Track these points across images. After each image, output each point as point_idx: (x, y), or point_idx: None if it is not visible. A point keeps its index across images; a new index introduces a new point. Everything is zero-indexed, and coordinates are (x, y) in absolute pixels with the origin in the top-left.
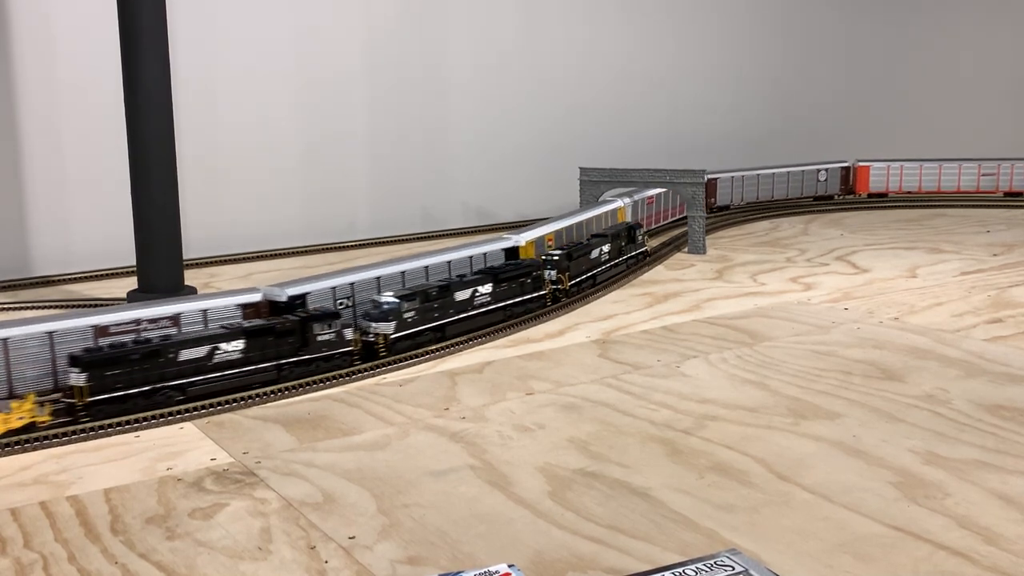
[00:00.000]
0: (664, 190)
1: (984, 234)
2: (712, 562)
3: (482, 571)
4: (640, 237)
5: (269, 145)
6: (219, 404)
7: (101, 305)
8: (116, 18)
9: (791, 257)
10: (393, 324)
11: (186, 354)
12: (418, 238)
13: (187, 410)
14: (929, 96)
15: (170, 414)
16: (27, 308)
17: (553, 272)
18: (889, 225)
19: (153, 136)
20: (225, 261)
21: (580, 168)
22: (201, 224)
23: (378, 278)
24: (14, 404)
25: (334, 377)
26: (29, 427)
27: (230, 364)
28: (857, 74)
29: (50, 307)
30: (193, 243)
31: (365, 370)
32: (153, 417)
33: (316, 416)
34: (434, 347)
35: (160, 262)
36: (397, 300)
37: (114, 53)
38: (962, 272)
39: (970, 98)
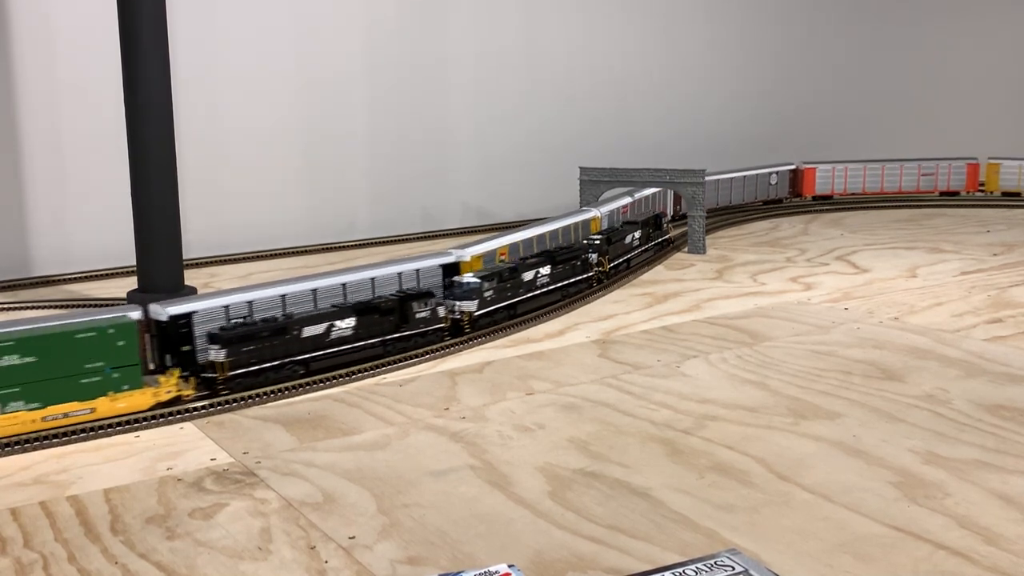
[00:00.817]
0: (640, 197)
1: (984, 234)
2: (712, 562)
3: (482, 571)
4: (664, 225)
5: (269, 145)
6: (219, 404)
7: (101, 305)
8: (116, 18)
9: (791, 257)
10: (476, 303)
11: (308, 331)
12: (418, 238)
13: (187, 410)
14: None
15: (170, 414)
16: (27, 308)
17: (594, 255)
18: (889, 225)
19: (153, 136)
20: (225, 261)
21: (580, 168)
22: (201, 224)
23: (283, 296)
24: (161, 379)
25: (334, 377)
26: (175, 400)
27: (343, 340)
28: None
29: (50, 307)
30: (193, 243)
31: (366, 370)
32: (153, 417)
33: (316, 416)
34: (434, 347)
35: (160, 262)
36: (478, 280)
37: (114, 53)
38: (962, 272)
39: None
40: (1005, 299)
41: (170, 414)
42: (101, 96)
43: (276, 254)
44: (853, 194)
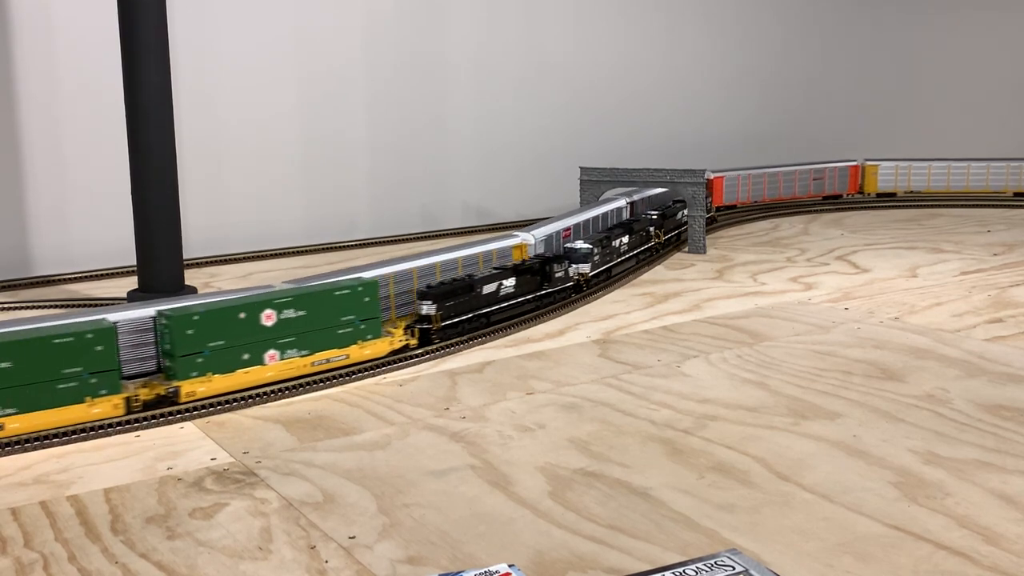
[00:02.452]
0: (590, 217)
1: (984, 234)
2: (712, 562)
3: (482, 571)
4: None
5: (269, 145)
6: (219, 404)
7: (101, 305)
8: (117, 18)
9: (791, 257)
10: (589, 265)
11: (486, 289)
12: (418, 238)
13: (187, 410)
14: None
15: (170, 414)
16: (27, 308)
17: (652, 228)
18: (889, 225)
19: (153, 136)
20: (225, 261)
21: (580, 168)
22: (201, 224)
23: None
24: (392, 330)
25: (334, 377)
26: (405, 347)
27: (508, 297)
28: (865, 74)
29: (50, 307)
30: (193, 243)
31: (365, 370)
32: (153, 417)
33: (316, 416)
34: (435, 347)
35: (160, 262)
36: (590, 246)
37: (115, 53)
38: (962, 272)
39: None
40: (1005, 299)
41: (170, 414)
42: (101, 96)
43: (276, 254)
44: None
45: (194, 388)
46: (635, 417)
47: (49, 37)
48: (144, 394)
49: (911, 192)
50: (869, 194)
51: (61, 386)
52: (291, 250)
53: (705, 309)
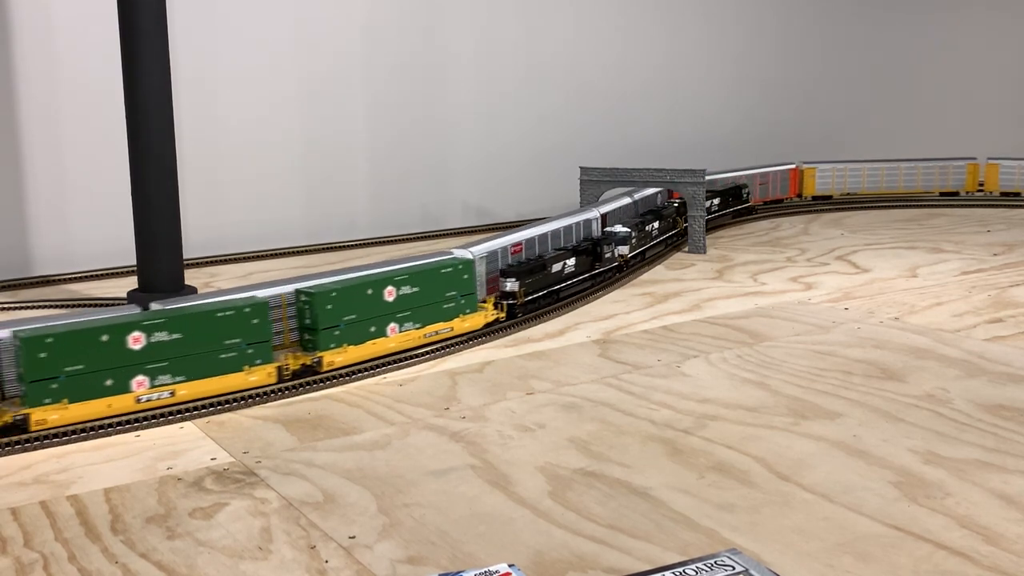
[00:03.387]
0: (545, 232)
1: (984, 234)
2: (712, 562)
3: (482, 571)
4: (745, 195)
5: (269, 145)
6: (219, 404)
7: (101, 305)
8: (116, 17)
9: (791, 257)
10: (628, 247)
11: (554, 267)
12: (418, 237)
13: (187, 410)
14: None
15: (170, 414)
16: (27, 308)
17: (676, 216)
18: (889, 225)
19: (153, 135)
20: (225, 261)
21: (580, 167)
22: (201, 224)
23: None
24: (484, 305)
25: (334, 377)
26: (495, 320)
27: (570, 275)
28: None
29: (50, 307)
30: (193, 243)
31: (365, 370)
32: (154, 417)
33: (316, 416)
34: (435, 347)
35: (160, 262)
36: (628, 230)
37: (114, 52)
38: (962, 272)
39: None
40: (1005, 299)
41: (169, 414)
42: (101, 96)
43: (276, 254)
44: (850, 194)
45: (333, 358)
46: (635, 417)
47: (49, 37)
48: (292, 364)
49: (847, 194)
50: (806, 197)
51: (223, 356)
52: (291, 250)
53: (705, 309)
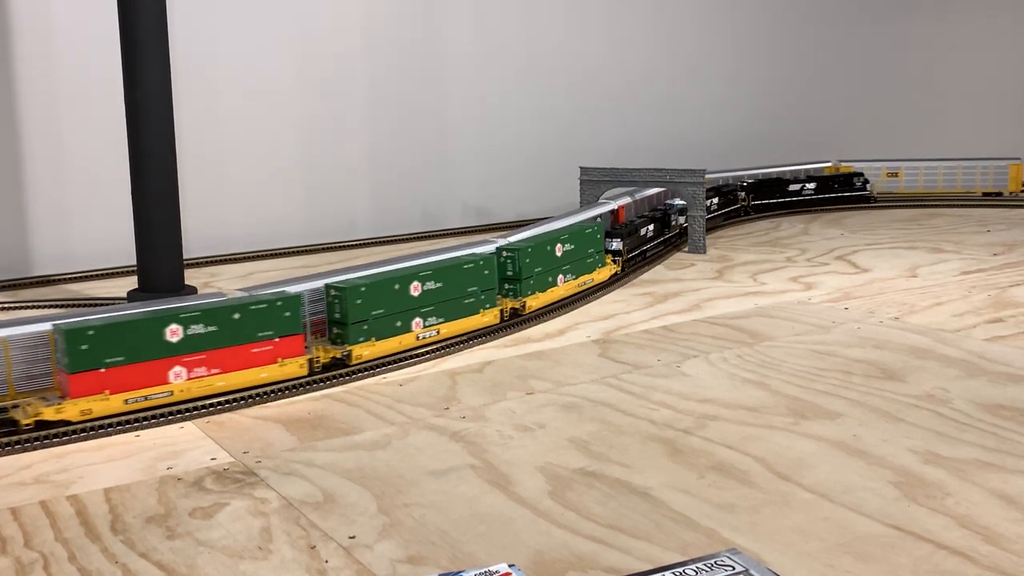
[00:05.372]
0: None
1: (984, 234)
2: (712, 562)
3: (482, 571)
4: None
5: (269, 145)
6: (219, 404)
7: (102, 304)
8: (116, 17)
9: (791, 257)
10: (685, 217)
11: (642, 231)
12: (418, 237)
13: (187, 410)
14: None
15: (170, 414)
16: (27, 308)
17: (742, 193)
18: (889, 225)
19: (153, 135)
20: (225, 261)
21: (580, 167)
22: (201, 224)
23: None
24: (608, 261)
25: (334, 377)
26: (615, 274)
27: (649, 239)
28: (866, 74)
29: (50, 307)
30: (193, 243)
31: (365, 370)
32: (153, 417)
33: (316, 416)
34: (434, 348)
35: (160, 262)
36: (686, 203)
37: (115, 53)
38: (962, 272)
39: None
40: (1005, 299)
41: (170, 414)
42: (101, 95)
43: (276, 254)
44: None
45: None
46: (635, 417)
47: (49, 37)
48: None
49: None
50: None
51: (466, 301)
52: (291, 250)
53: (705, 309)
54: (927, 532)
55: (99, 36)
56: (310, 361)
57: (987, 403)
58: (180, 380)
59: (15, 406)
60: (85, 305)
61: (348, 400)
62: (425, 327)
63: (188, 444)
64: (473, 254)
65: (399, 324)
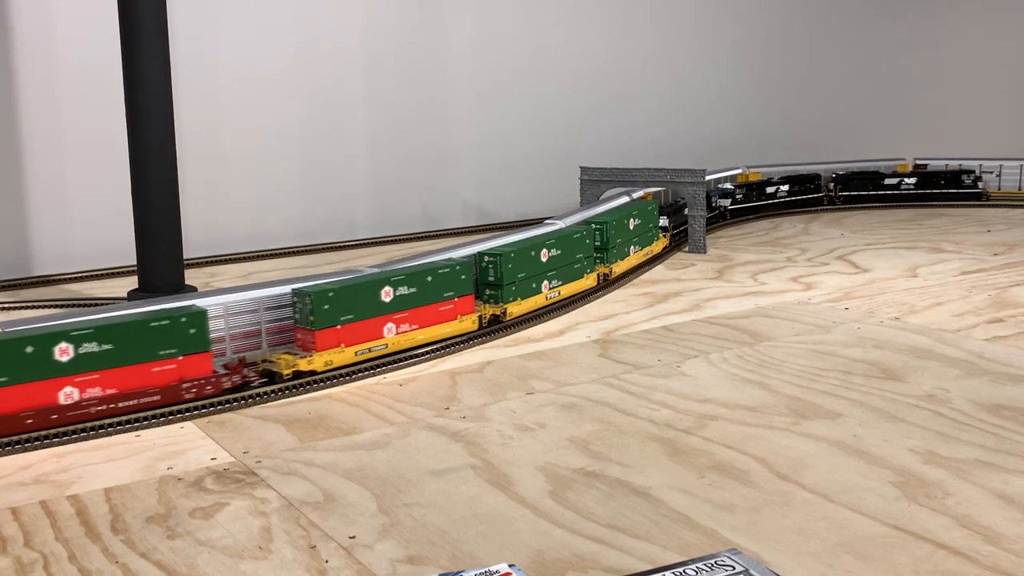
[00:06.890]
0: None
1: (984, 234)
2: (712, 562)
3: (482, 571)
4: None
5: (269, 145)
6: (219, 404)
7: (102, 304)
8: (117, 17)
9: (792, 257)
10: (729, 201)
11: (686, 211)
12: (418, 238)
13: (188, 410)
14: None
15: (170, 414)
16: (27, 308)
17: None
18: (889, 225)
19: (153, 135)
20: (225, 261)
21: (581, 167)
22: (201, 224)
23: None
24: (660, 236)
25: (334, 377)
26: (667, 246)
27: (685, 221)
28: (867, 74)
29: (50, 307)
30: (193, 243)
31: (366, 370)
32: (154, 417)
33: (316, 415)
34: (435, 347)
35: (160, 262)
36: (732, 187)
37: (115, 52)
38: (963, 272)
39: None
40: (1006, 299)
41: (173, 412)
42: (102, 95)
43: (276, 254)
44: None
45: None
46: (635, 417)
47: (49, 37)
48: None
49: None
50: None
51: (576, 267)
52: (291, 250)
53: (705, 309)
54: (927, 532)
55: (99, 36)
56: (479, 318)
57: (987, 403)
58: (391, 335)
59: (267, 360)
60: (85, 305)
61: (348, 400)
62: (551, 289)
63: (188, 444)
64: (569, 227)
65: (534, 286)
